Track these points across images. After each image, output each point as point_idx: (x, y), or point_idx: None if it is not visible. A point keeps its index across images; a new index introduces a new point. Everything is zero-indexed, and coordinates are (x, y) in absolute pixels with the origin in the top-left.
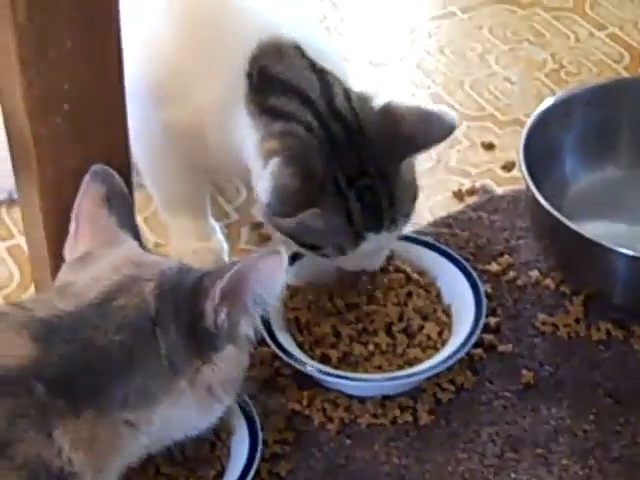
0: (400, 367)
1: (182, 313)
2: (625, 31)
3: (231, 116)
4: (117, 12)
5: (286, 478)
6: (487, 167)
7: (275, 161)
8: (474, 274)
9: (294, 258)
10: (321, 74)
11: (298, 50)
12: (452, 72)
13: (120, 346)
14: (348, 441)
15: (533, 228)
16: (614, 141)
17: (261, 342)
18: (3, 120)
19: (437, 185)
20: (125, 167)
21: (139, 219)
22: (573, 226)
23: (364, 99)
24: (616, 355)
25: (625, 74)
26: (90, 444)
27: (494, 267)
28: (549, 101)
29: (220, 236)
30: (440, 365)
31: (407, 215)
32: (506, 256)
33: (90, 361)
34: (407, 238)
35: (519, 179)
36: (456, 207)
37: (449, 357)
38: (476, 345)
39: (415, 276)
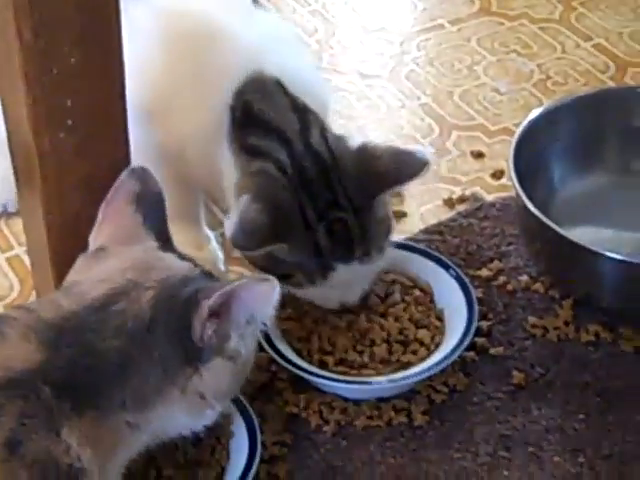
0: (394, 371)
1: (175, 323)
2: (610, 42)
3: (214, 149)
4: (119, 30)
5: (284, 479)
6: (477, 175)
7: (244, 198)
8: (466, 279)
9: None
10: (301, 113)
11: (280, 87)
12: (441, 83)
13: (117, 351)
14: (344, 442)
15: (523, 234)
16: (600, 149)
17: (259, 348)
18: (7, 135)
19: (428, 193)
20: None
21: None
22: (562, 232)
23: (340, 138)
24: (605, 356)
25: (611, 84)
26: (95, 442)
27: (485, 272)
28: (537, 111)
29: (215, 244)
30: (434, 368)
31: (381, 248)
32: (496, 261)
33: (91, 365)
34: (400, 245)
35: (508, 187)
36: (447, 214)
37: (442, 360)
38: (468, 348)
39: (409, 283)
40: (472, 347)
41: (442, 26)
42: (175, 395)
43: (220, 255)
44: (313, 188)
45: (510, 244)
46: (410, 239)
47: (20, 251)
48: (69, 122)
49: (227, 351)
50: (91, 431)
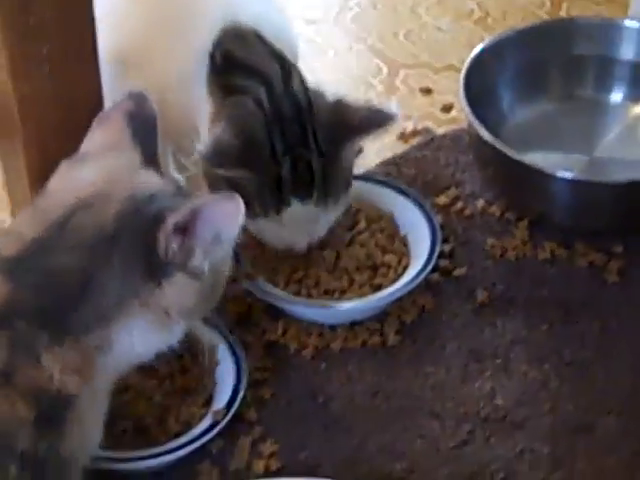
0: (365, 294)
1: (139, 238)
2: None
3: (191, 95)
4: None
5: (269, 401)
6: (427, 110)
7: (220, 123)
8: (426, 205)
9: None
10: (281, 61)
11: (258, 37)
12: (386, 25)
13: (76, 267)
14: (323, 364)
15: (477, 161)
16: (545, 78)
17: (234, 280)
18: None
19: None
20: None
21: None
22: (515, 155)
23: (318, 91)
24: (561, 271)
25: (547, 18)
26: (76, 368)
27: (442, 200)
28: (482, 45)
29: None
30: (404, 288)
31: (337, 198)
32: (452, 189)
33: (53, 287)
34: (361, 177)
35: (457, 120)
36: (401, 148)
37: (411, 280)
38: (433, 270)
39: (372, 212)
40: (436, 269)
41: None
42: (136, 309)
43: None
44: (285, 126)
45: (464, 172)
46: (368, 172)
47: None
48: (46, 68)
49: (190, 268)
50: (70, 356)
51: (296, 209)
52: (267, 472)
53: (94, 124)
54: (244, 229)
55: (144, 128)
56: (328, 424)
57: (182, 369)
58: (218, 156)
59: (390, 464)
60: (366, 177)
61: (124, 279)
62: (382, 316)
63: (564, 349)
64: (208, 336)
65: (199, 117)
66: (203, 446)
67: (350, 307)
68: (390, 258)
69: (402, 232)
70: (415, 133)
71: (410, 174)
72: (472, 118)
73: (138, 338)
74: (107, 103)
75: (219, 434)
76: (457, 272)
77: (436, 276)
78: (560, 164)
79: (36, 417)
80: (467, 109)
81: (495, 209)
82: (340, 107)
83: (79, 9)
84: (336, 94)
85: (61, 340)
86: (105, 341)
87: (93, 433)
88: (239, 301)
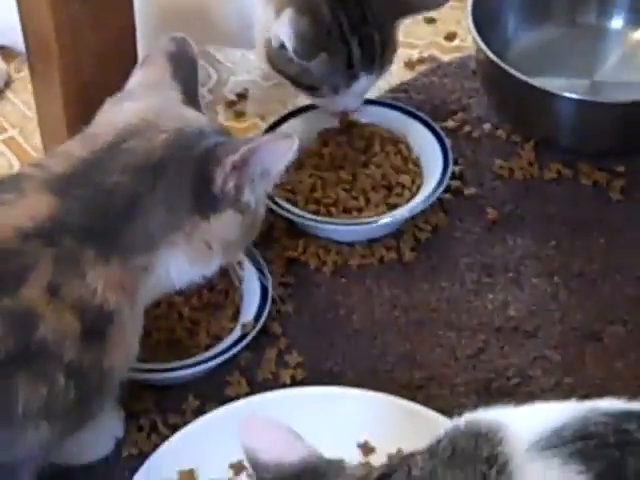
0: (382, 213)
1: (188, 172)
2: None
3: None
4: None
5: (292, 315)
6: (431, 39)
7: (289, 10)
8: (438, 128)
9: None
10: None
11: None
12: None
13: (124, 188)
14: (343, 280)
15: (484, 85)
16: (548, 5)
17: None
18: (20, 16)
19: None
20: (133, 50)
21: None
22: (523, 77)
23: None
24: (567, 190)
25: None
26: (119, 285)
27: (450, 124)
28: None
29: None
30: (418, 206)
31: (390, 63)
32: (460, 113)
33: (101, 204)
34: (374, 102)
35: (461, 48)
36: (409, 75)
37: (425, 200)
38: (444, 191)
39: (386, 135)
40: (447, 190)
41: None
42: (180, 239)
43: None
44: (348, 5)
45: (470, 97)
46: (379, 98)
47: (14, 133)
48: None
49: (239, 204)
50: (114, 276)
51: (362, 81)
52: (293, 382)
53: (137, 66)
54: None
55: (185, 69)
56: (350, 336)
57: (209, 285)
58: (305, 48)
59: (410, 373)
60: (378, 102)
61: (170, 208)
62: (397, 234)
63: (572, 263)
64: None
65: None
66: (232, 358)
67: (368, 225)
68: (404, 178)
69: (415, 154)
70: (421, 61)
71: (418, 100)
72: (481, 43)
73: (177, 267)
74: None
75: (247, 346)
76: (467, 192)
77: (448, 196)
78: (563, 88)
79: (81, 330)
80: (475, 35)
81: (501, 132)
82: None
83: None
84: None
85: (106, 258)
86: (147, 264)
87: (131, 347)
88: None
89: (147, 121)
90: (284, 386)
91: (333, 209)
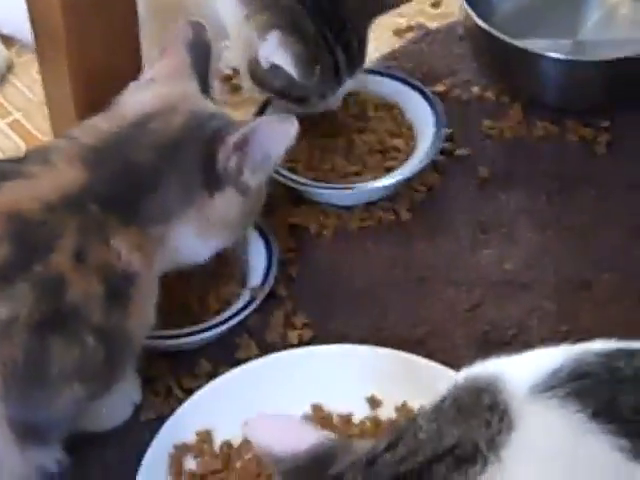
0: (379, 176)
1: (199, 152)
2: None
3: None
4: None
5: (297, 278)
6: (418, 8)
7: (276, 33)
8: (428, 92)
9: None
10: None
11: None
12: None
13: (149, 164)
14: (343, 243)
15: (472, 50)
16: None
17: None
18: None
19: (378, 27)
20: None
21: None
22: (509, 40)
23: None
24: (555, 147)
25: None
26: (139, 249)
27: (440, 88)
28: None
29: None
30: (413, 168)
31: (365, 59)
32: (449, 78)
33: (128, 176)
34: (366, 71)
35: (446, 14)
36: (398, 43)
37: (419, 162)
38: (437, 152)
39: (379, 101)
40: (440, 151)
41: None
42: (191, 214)
43: None
44: (326, 15)
45: (458, 62)
46: (371, 66)
47: (18, 115)
48: None
49: (240, 183)
50: (136, 240)
51: (346, 84)
52: (301, 342)
53: (159, 52)
54: None
55: (201, 58)
56: (352, 296)
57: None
58: (307, 70)
59: (411, 328)
60: (370, 70)
61: (184, 184)
62: (394, 196)
63: (563, 216)
64: None
65: (227, 17)
66: (241, 322)
67: (366, 188)
68: (399, 142)
69: (407, 119)
70: (409, 29)
71: (408, 66)
72: (469, 9)
73: (187, 240)
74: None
75: (255, 310)
76: (459, 152)
77: (441, 157)
78: (547, 48)
79: (106, 293)
80: (463, 1)
81: (490, 94)
82: None
83: None
84: None
85: (129, 225)
86: (163, 235)
87: (149, 312)
88: None
89: (167, 106)
90: (292, 346)
91: (331, 175)
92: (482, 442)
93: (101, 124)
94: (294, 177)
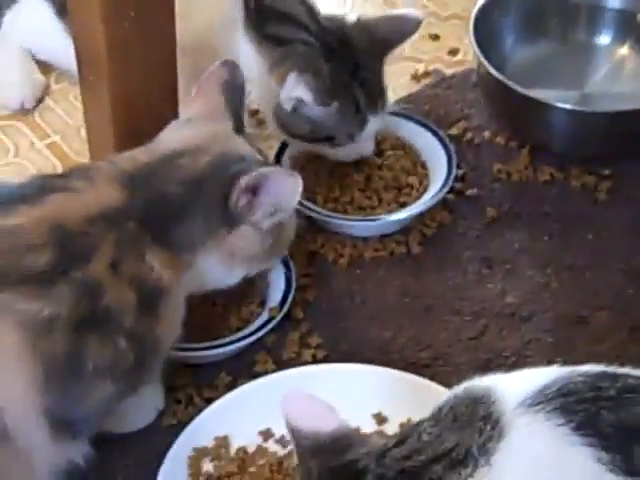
0: (393, 211)
1: (221, 190)
2: None
3: (232, 39)
4: None
5: (313, 302)
6: (435, 54)
7: (293, 74)
8: (443, 135)
9: None
10: (305, 2)
11: None
12: None
13: (178, 196)
14: (358, 271)
15: (485, 96)
16: (543, 23)
17: None
18: (73, 30)
19: (397, 71)
20: (174, 63)
21: None
22: (520, 89)
23: (339, 18)
24: (559, 191)
25: None
26: (170, 267)
27: (454, 131)
28: None
29: None
30: (425, 205)
31: (387, 100)
32: (462, 122)
33: (160, 204)
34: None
35: (462, 62)
36: (415, 87)
37: (431, 199)
38: (448, 191)
39: (396, 141)
40: (451, 190)
41: None
42: (213, 246)
43: None
44: (338, 56)
45: (472, 107)
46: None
47: (56, 138)
48: (132, 14)
49: (252, 222)
50: (166, 259)
51: (371, 123)
52: (314, 360)
53: (194, 90)
54: None
55: (235, 97)
56: (364, 320)
57: None
58: (319, 91)
59: (418, 353)
60: (389, 112)
61: (207, 219)
62: (406, 230)
63: (563, 256)
64: None
65: (250, 69)
66: (260, 339)
67: (380, 221)
68: (413, 180)
69: (422, 158)
70: (426, 74)
71: (424, 110)
72: (482, 58)
73: (208, 269)
74: None
75: (272, 330)
76: (469, 192)
77: (451, 196)
78: (556, 99)
79: (138, 301)
80: (477, 50)
81: (500, 139)
82: (364, 25)
83: None
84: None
85: (161, 245)
86: (191, 261)
87: (176, 324)
88: None
89: (198, 145)
90: (306, 364)
91: (349, 207)
92: (475, 447)
93: (138, 155)
94: (315, 208)
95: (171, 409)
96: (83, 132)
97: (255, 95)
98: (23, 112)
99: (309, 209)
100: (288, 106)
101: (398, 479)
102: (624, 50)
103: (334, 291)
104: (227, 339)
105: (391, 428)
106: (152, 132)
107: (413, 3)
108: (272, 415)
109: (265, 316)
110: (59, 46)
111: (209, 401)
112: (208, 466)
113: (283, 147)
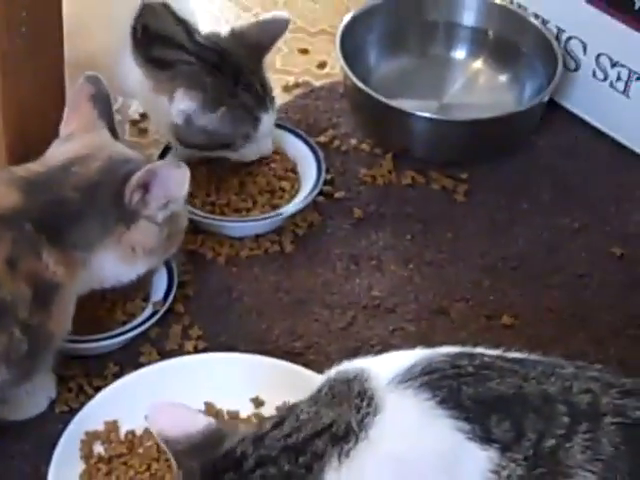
0: (266, 212)
1: (114, 191)
2: None
3: (121, 62)
4: None
5: (193, 297)
6: (305, 67)
7: (179, 90)
8: (312, 142)
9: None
10: (183, 24)
11: (165, 8)
12: None
13: (75, 201)
14: (234, 268)
15: (351, 106)
16: (404, 39)
17: None
18: None
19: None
20: (61, 79)
21: None
22: (383, 99)
23: (215, 34)
24: (420, 194)
25: None
26: (65, 265)
27: (322, 139)
28: (352, 12)
29: None
30: (296, 207)
31: (274, 97)
32: (330, 130)
33: (57, 208)
34: None
35: (331, 74)
36: (286, 98)
37: (302, 201)
38: (318, 194)
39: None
40: (320, 193)
41: None
42: (111, 244)
43: None
44: (219, 68)
45: (339, 117)
46: None
47: None
48: (23, 29)
49: (148, 216)
50: (61, 258)
51: (264, 121)
52: (196, 350)
53: (66, 109)
54: None
55: (104, 107)
56: (241, 314)
57: None
58: (206, 99)
59: (292, 343)
60: None
61: (103, 219)
62: (279, 230)
63: (424, 253)
64: None
65: (135, 88)
66: (144, 332)
67: (255, 222)
68: (285, 184)
69: (293, 164)
70: (297, 86)
71: (295, 119)
72: (348, 71)
73: (108, 265)
74: None
75: (156, 323)
76: (337, 195)
77: (321, 199)
78: (416, 108)
79: (33, 295)
80: (343, 63)
81: (365, 145)
82: (238, 33)
83: None
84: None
85: (56, 246)
86: (86, 260)
87: (67, 318)
88: None
89: (86, 153)
90: (188, 354)
91: (226, 209)
92: (354, 422)
93: (32, 166)
94: (194, 210)
95: (63, 397)
96: None
97: (144, 110)
98: None
99: (188, 212)
100: (180, 120)
101: (281, 457)
102: (478, 64)
103: (213, 287)
104: (114, 332)
105: (268, 410)
106: (43, 143)
107: None
108: (157, 401)
109: (149, 310)
110: None
111: (98, 389)
112: (99, 448)
113: (163, 154)
